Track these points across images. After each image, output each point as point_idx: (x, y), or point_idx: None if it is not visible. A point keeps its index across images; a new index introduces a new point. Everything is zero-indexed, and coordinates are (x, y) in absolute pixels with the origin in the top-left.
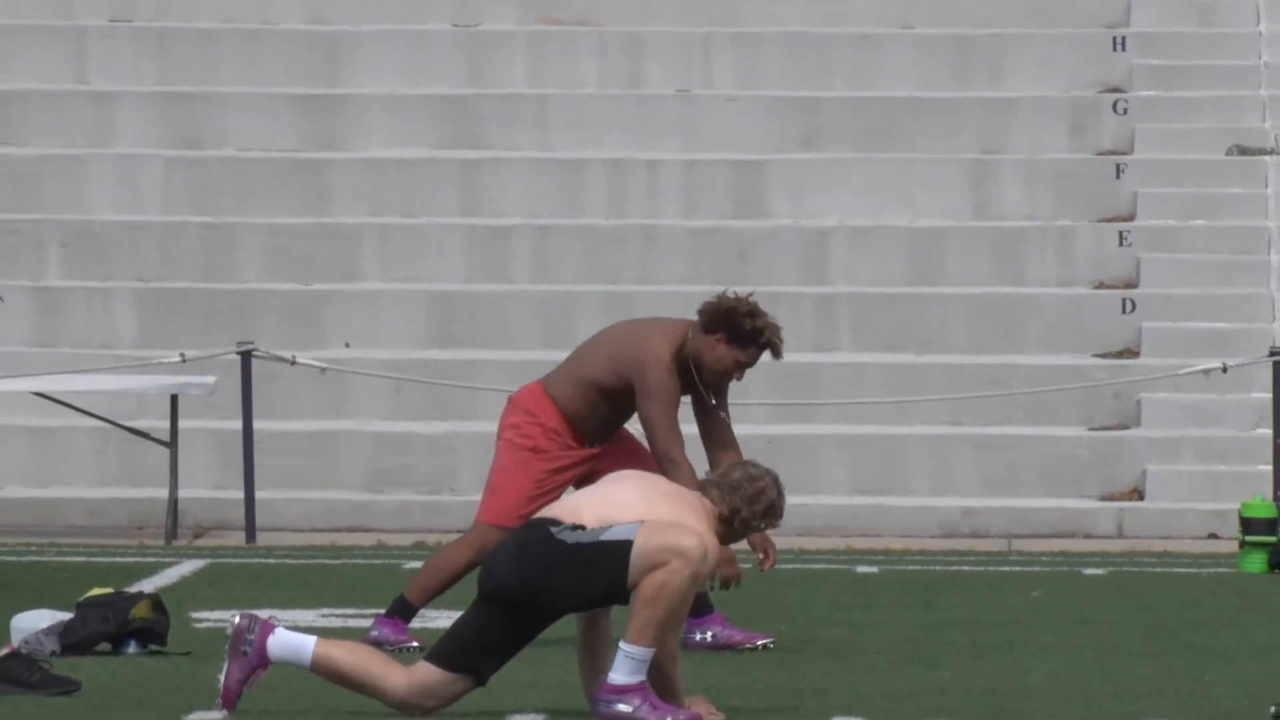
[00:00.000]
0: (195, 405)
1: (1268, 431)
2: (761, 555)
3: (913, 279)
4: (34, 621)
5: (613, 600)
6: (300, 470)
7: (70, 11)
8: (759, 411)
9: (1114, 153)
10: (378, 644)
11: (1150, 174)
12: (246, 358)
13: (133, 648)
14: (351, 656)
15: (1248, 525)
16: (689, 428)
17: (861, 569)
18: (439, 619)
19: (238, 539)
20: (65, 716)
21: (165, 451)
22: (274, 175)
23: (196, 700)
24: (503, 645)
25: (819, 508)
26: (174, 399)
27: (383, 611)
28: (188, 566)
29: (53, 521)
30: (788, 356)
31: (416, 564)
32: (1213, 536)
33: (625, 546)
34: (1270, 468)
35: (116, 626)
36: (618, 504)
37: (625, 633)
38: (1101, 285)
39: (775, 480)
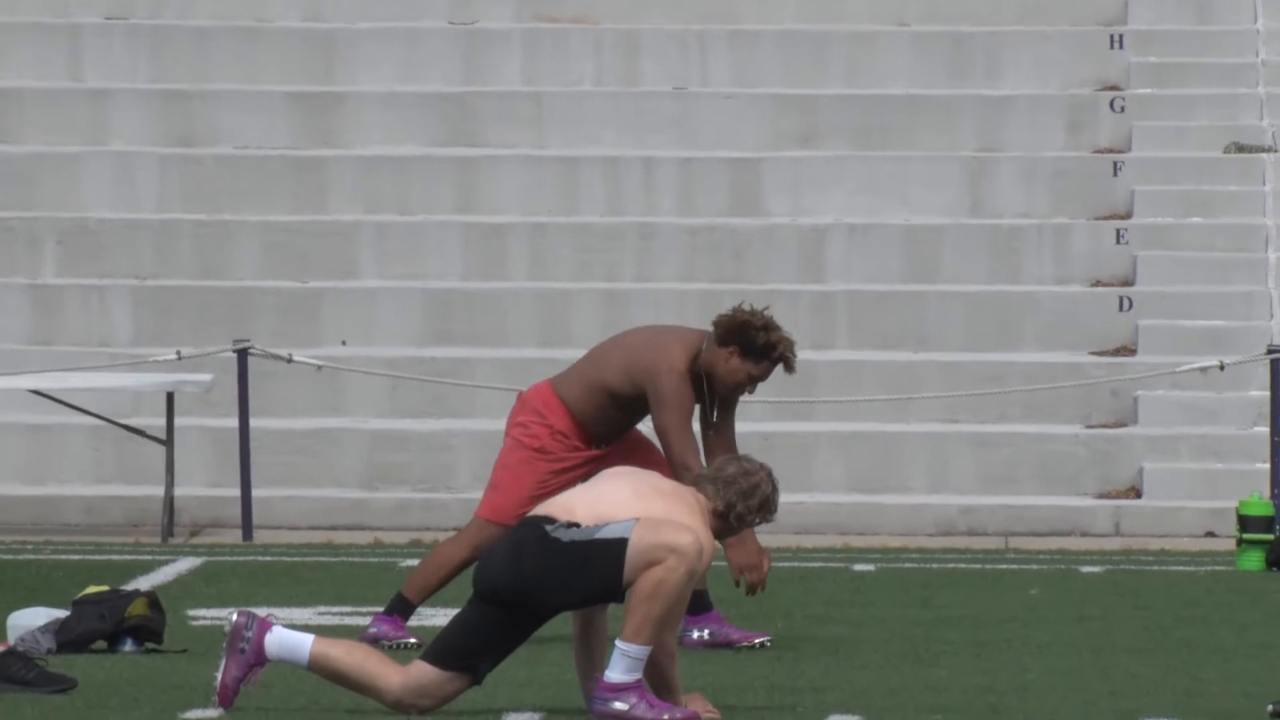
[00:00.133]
0: (191, 403)
1: (1265, 429)
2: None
3: (909, 277)
4: (30, 619)
5: (609, 598)
6: (297, 468)
7: (65, 9)
8: (756, 409)
9: (1111, 150)
10: (375, 640)
11: (1147, 172)
12: (243, 355)
13: (129, 645)
14: (348, 656)
15: (1245, 523)
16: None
17: (858, 567)
18: (435, 616)
19: (234, 537)
20: (61, 714)
21: (161, 449)
22: (270, 173)
23: (193, 698)
24: (498, 644)
25: (816, 505)
26: (170, 397)
27: (382, 609)
28: (184, 564)
29: (49, 519)
30: None
31: (413, 562)
32: (1210, 535)
33: (621, 544)
34: (1268, 465)
35: (113, 624)
36: (611, 501)
37: (621, 630)
38: (1099, 283)
39: (770, 475)
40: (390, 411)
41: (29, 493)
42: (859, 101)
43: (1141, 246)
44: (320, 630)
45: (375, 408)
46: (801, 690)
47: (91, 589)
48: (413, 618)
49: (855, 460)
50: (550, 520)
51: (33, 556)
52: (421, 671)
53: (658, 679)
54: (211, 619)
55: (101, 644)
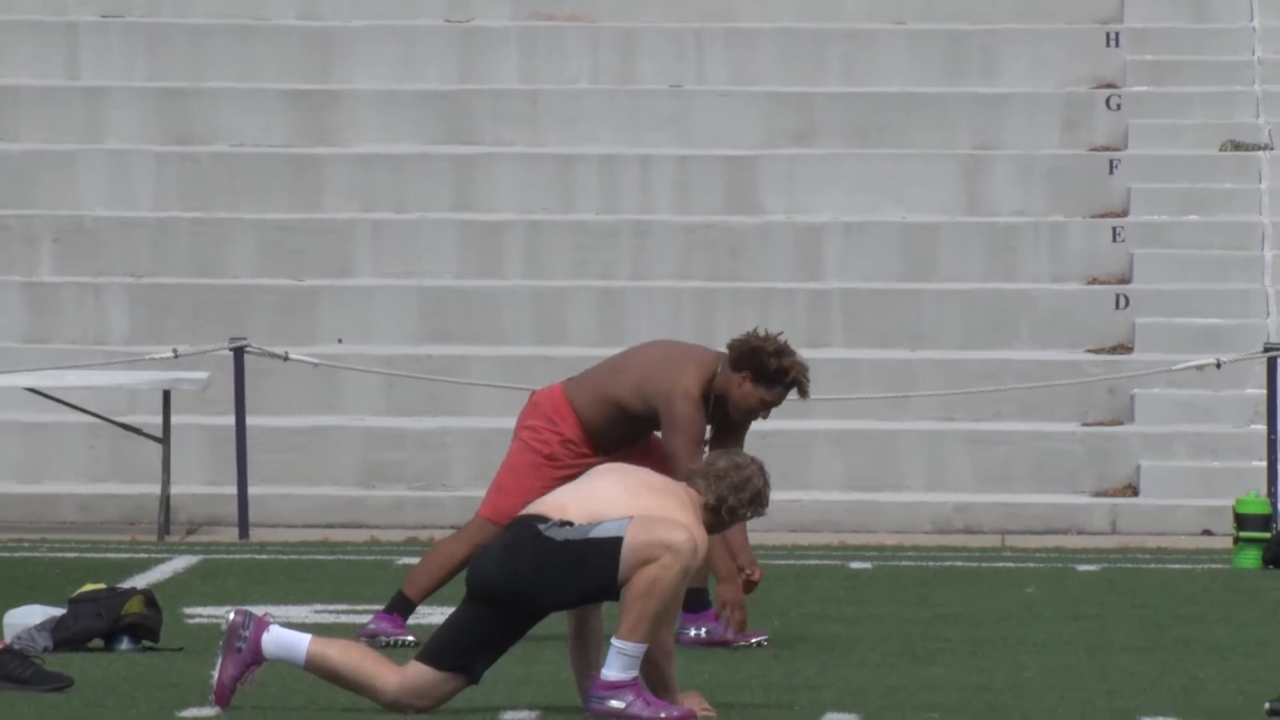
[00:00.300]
0: (188, 401)
1: (1261, 427)
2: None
3: (906, 274)
4: (26, 617)
5: (603, 596)
6: (293, 466)
7: (62, 7)
8: None
9: (1107, 148)
10: (373, 636)
11: (1143, 169)
12: (239, 353)
13: (125, 644)
14: (345, 655)
15: (1242, 521)
16: None
17: (855, 565)
18: (432, 615)
19: (230, 535)
20: (58, 713)
21: (158, 447)
22: (266, 171)
23: (189, 696)
24: (493, 643)
25: (812, 503)
26: (166, 395)
27: (379, 607)
28: (180, 562)
29: (45, 517)
30: None
31: (409, 559)
32: (1207, 533)
33: (615, 543)
34: (1264, 463)
35: (109, 622)
36: (603, 498)
37: (617, 628)
38: (1095, 281)
39: (761, 469)
40: (386, 409)
41: (25, 491)
42: (855, 100)
43: (1138, 244)
44: (317, 628)
45: (371, 406)
46: (798, 688)
47: (88, 587)
48: (410, 616)
49: (852, 458)
50: (543, 519)
51: (29, 554)
52: (418, 672)
53: (655, 677)
54: (208, 617)
55: (98, 642)
